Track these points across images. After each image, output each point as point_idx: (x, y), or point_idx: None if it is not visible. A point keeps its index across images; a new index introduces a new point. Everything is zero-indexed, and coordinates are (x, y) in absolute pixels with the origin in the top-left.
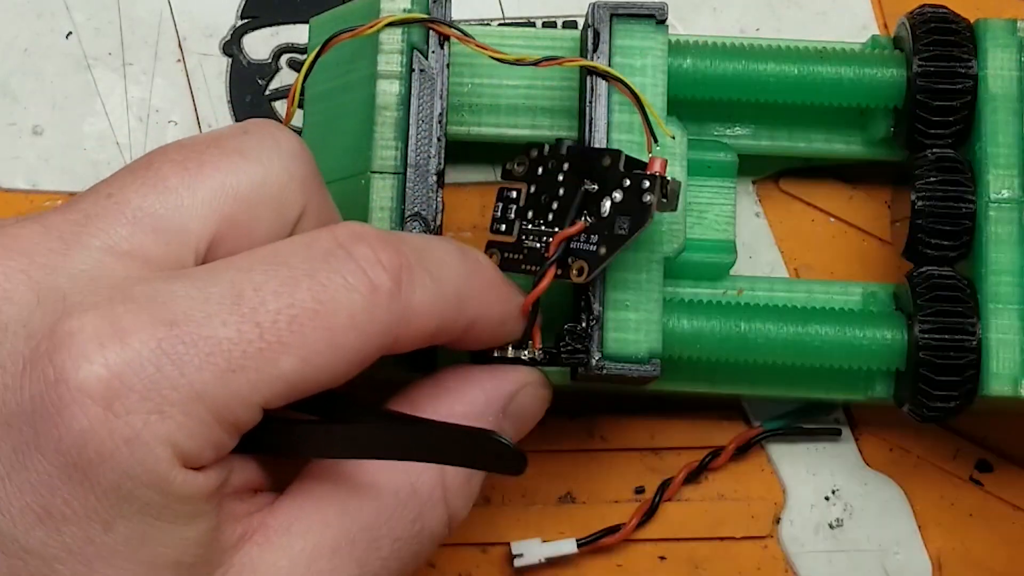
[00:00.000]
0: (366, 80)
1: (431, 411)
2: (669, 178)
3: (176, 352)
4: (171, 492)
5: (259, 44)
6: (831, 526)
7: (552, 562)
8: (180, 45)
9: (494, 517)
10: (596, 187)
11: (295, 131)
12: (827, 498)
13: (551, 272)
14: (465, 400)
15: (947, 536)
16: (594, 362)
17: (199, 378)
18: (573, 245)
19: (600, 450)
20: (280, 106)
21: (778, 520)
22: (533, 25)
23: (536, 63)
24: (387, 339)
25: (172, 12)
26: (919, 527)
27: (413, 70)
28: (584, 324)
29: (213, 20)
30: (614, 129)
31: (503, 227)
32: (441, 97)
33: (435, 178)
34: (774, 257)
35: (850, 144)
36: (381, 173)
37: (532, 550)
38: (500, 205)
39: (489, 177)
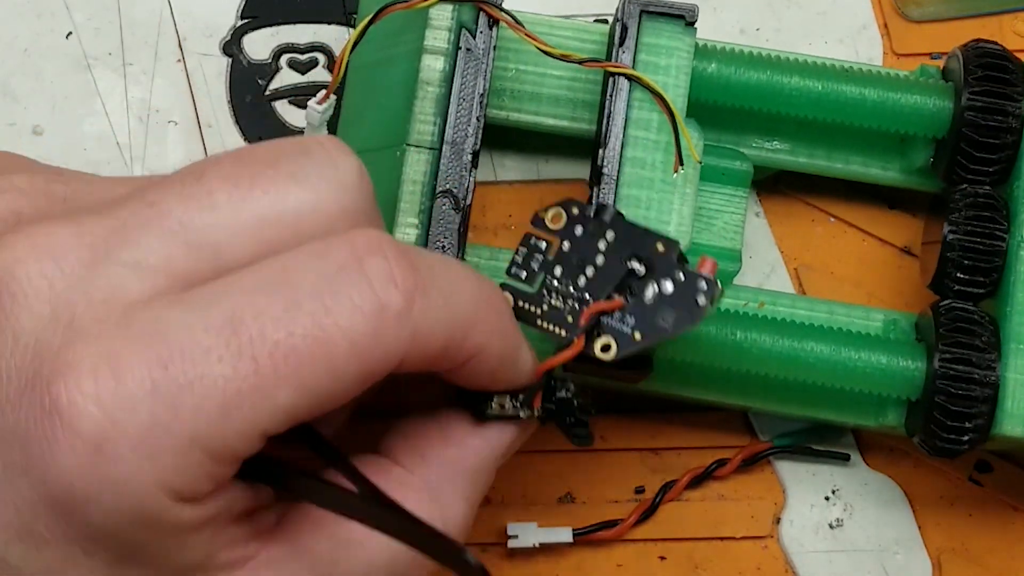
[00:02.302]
0: (411, 54)
1: (435, 457)
2: (718, 284)
3: (170, 394)
4: (160, 527)
5: (259, 44)
6: (831, 526)
7: (549, 554)
8: (180, 45)
9: (494, 517)
10: (644, 270)
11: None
12: (827, 498)
13: (579, 344)
14: (469, 452)
15: (947, 536)
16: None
17: (193, 421)
18: (602, 318)
19: (600, 450)
20: (280, 106)
21: (778, 520)
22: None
23: (581, 62)
24: (392, 362)
25: (172, 12)
26: (919, 527)
27: (460, 48)
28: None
29: (213, 20)
30: (631, 125)
31: (523, 275)
32: (484, 78)
33: (470, 157)
34: (774, 257)
35: (887, 170)
36: (417, 147)
37: (527, 533)
38: (524, 251)
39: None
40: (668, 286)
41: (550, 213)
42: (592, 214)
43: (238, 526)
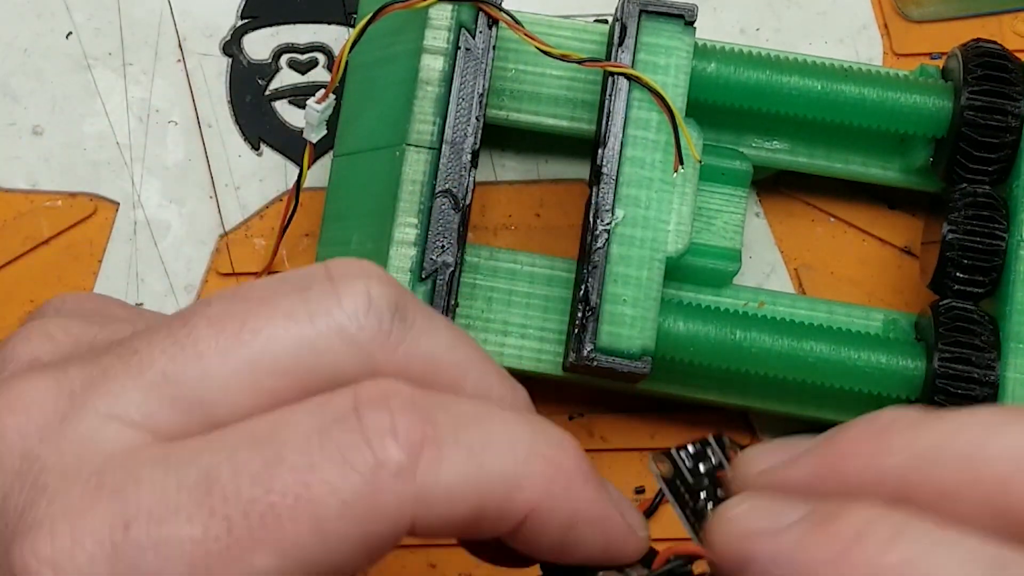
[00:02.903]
0: (410, 53)
1: None
2: None
3: (130, 557)
4: None
5: (259, 44)
6: None
7: None
8: (180, 45)
9: None
10: None
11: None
12: None
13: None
14: None
15: None
16: (585, 352)
17: None
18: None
19: (600, 450)
20: (280, 106)
21: None
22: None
23: (580, 62)
24: (398, 525)
25: (172, 12)
26: None
27: (459, 48)
28: (580, 315)
29: (213, 20)
30: (631, 125)
31: (689, 465)
32: (484, 78)
33: (469, 157)
34: (774, 257)
35: (887, 170)
36: (416, 147)
37: None
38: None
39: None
40: None
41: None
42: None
43: None
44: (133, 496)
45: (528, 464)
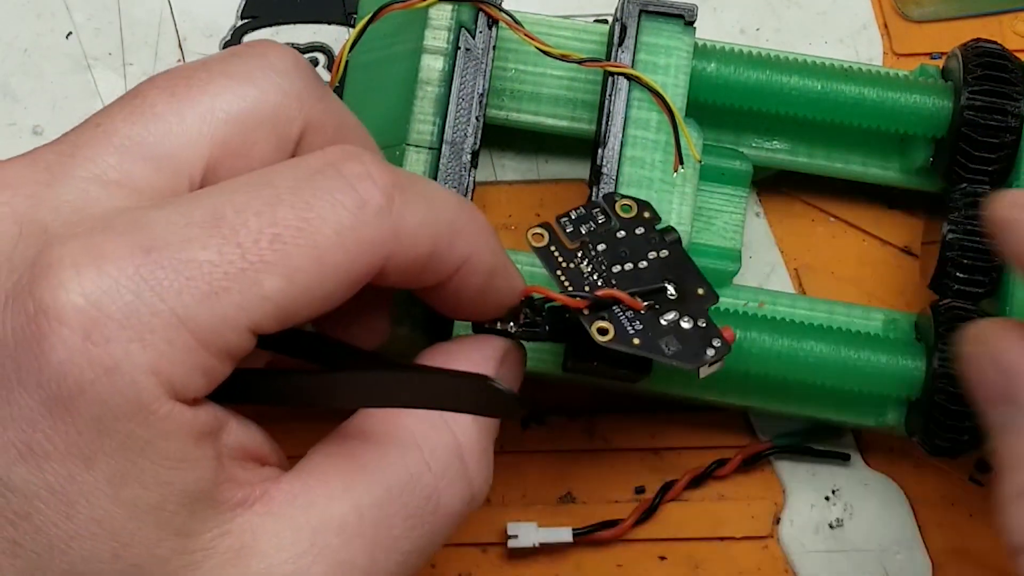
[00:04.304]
0: (410, 53)
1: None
2: (728, 349)
3: (155, 277)
4: (155, 425)
5: None
6: (831, 526)
7: (549, 554)
8: (180, 45)
9: (494, 517)
10: (675, 296)
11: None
12: (827, 498)
13: (581, 304)
14: (464, 358)
15: (947, 536)
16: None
17: (180, 302)
18: (615, 307)
19: (600, 450)
20: None
21: (778, 520)
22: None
23: (580, 62)
24: (377, 257)
25: (172, 12)
26: (919, 527)
27: (459, 48)
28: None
29: (213, 20)
30: (631, 125)
31: (569, 228)
32: (484, 78)
33: (469, 157)
34: (774, 257)
35: (887, 170)
36: (416, 147)
37: (527, 533)
38: (583, 212)
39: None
40: (687, 324)
41: (624, 201)
42: (658, 227)
43: (242, 468)
44: (147, 230)
45: (462, 215)
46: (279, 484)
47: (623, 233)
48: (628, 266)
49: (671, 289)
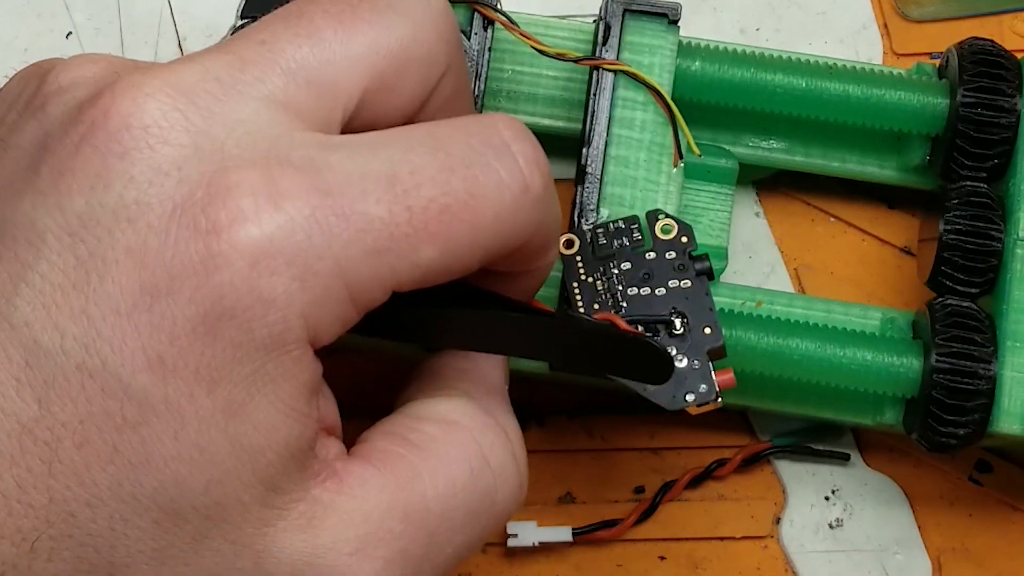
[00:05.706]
0: None
1: (473, 377)
2: (717, 399)
3: (328, 223)
4: (286, 366)
5: None
6: (831, 526)
7: (548, 554)
8: (180, 45)
9: None
10: (680, 332)
11: None
12: (827, 498)
13: (619, 322)
14: (490, 365)
15: (947, 536)
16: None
17: (345, 254)
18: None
19: (600, 450)
20: None
21: (778, 520)
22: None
23: (576, 60)
24: (518, 242)
25: (172, 12)
26: (919, 527)
27: None
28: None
29: (213, 20)
30: (615, 124)
31: (602, 241)
32: (480, 79)
33: None
34: (774, 257)
35: (884, 168)
36: None
37: (527, 533)
38: (620, 226)
39: None
40: (683, 363)
41: (666, 221)
42: (691, 254)
43: (325, 438)
44: (326, 173)
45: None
46: (349, 465)
47: (653, 255)
48: (645, 290)
49: (677, 323)
